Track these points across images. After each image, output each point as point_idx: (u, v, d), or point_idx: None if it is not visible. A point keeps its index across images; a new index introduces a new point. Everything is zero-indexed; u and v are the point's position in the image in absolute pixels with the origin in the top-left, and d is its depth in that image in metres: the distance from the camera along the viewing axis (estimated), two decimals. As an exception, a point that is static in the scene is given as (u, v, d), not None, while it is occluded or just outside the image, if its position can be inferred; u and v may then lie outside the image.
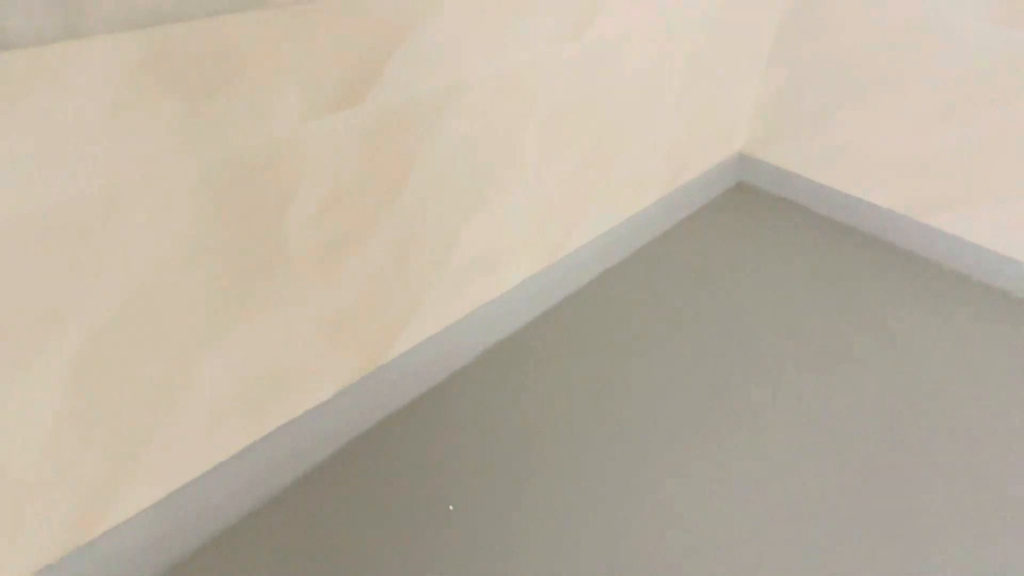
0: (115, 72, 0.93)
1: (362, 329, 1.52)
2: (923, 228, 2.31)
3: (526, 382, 1.77)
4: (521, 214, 1.77)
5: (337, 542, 1.36)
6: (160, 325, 1.15)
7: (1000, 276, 2.21)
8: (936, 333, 2.01)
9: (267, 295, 1.28)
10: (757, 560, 1.40)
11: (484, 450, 1.58)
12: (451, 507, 1.39)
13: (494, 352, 1.86)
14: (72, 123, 0.92)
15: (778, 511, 1.50)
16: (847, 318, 2.05)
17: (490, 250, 1.75)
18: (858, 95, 2.30)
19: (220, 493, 1.39)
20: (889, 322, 2.04)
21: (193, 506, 1.36)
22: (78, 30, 0.87)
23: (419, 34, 1.27)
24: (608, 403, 1.73)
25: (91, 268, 1.02)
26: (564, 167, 1.82)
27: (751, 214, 2.53)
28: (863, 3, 2.17)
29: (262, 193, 1.18)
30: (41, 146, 0.90)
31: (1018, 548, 1.46)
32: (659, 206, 2.34)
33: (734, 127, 2.56)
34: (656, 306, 2.06)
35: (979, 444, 1.69)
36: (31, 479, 1.10)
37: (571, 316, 2.00)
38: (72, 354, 1.06)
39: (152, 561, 1.33)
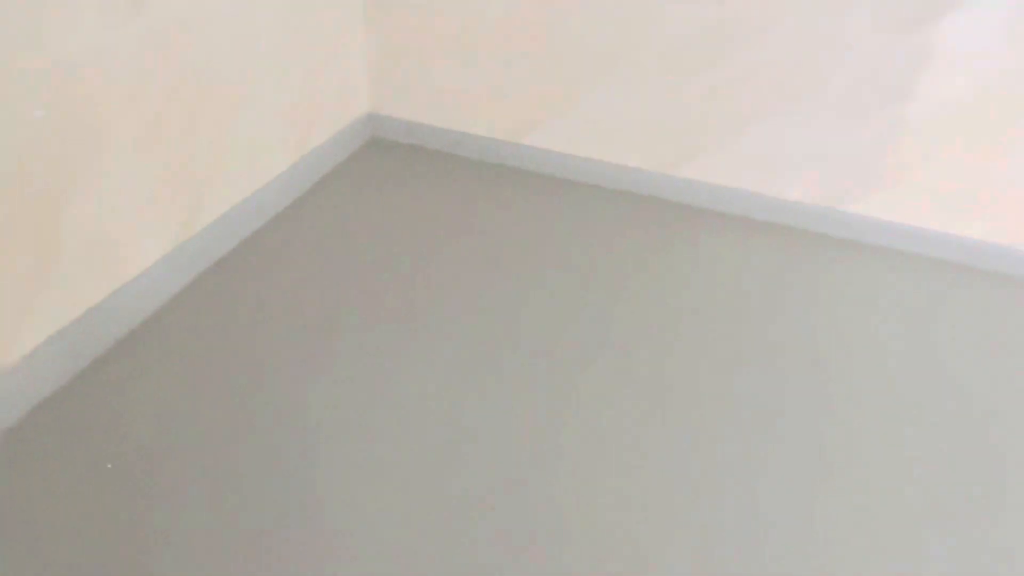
0: None
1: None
2: (517, 147, 2.79)
3: (171, 364, 1.86)
4: (131, 195, 1.83)
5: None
6: None
7: (593, 176, 2.77)
8: (522, 225, 2.47)
9: None
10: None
11: (123, 440, 1.66)
12: (109, 465, 1.47)
13: (140, 332, 1.92)
14: None
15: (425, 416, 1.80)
16: (459, 228, 2.43)
17: (105, 233, 1.78)
18: (450, 45, 2.67)
19: None
20: (498, 226, 2.47)
21: None
22: None
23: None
24: (259, 361, 1.90)
25: None
26: (167, 146, 1.90)
27: (384, 164, 2.82)
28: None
29: None
30: None
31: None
32: (294, 170, 2.52)
33: (355, 88, 2.81)
34: (303, 263, 2.25)
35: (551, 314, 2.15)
36: None
37: (211, 290, 2.10)
38: None
39: None
